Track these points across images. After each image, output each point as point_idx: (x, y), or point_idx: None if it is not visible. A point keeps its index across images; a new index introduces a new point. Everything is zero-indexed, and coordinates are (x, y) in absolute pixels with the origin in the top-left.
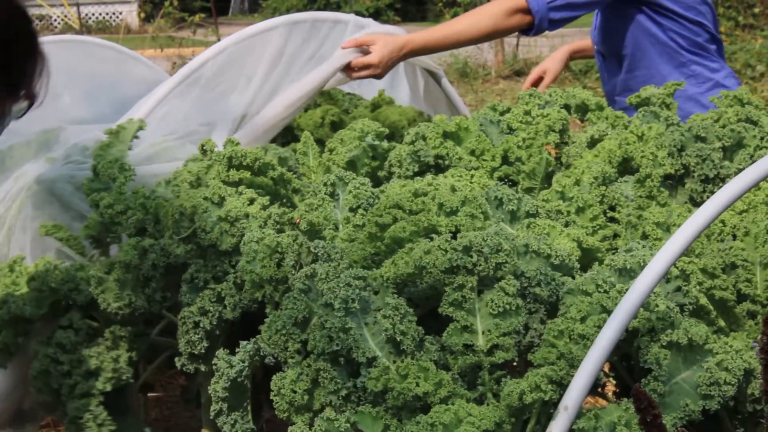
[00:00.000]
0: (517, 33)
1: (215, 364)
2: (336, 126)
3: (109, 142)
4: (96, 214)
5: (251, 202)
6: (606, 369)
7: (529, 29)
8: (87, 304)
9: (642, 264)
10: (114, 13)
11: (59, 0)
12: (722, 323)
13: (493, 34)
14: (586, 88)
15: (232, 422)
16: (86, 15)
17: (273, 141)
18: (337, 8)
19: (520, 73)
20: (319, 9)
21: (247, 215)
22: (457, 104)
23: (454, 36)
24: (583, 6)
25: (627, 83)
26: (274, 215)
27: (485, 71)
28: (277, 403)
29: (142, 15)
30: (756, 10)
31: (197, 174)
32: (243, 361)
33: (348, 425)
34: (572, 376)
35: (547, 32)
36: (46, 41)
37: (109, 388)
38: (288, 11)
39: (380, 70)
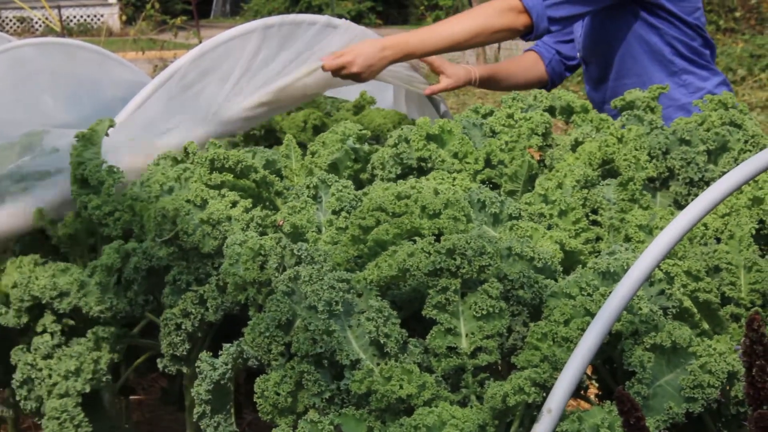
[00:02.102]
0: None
1: (198, 367)
2: (318, 129)
3: (83, 144)
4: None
5: (234, 204)
6: (588, 372)
7: (528, 31)
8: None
9: (625, 267)
10: (95, 16)
11: (40, 2)
12: (706, 326)
13: (485, 35)
14: (569, 92)
15: (215, 425)
16: (67, 17)
17: (257, 144)
18: (319, 11)
19: None
20: (300, 12)
21: (229, 218)
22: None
23: (443, 40)
24: (585, 2)
25: (616, 91)
26: (257, 218)
27: None
28: (260, 405)
29: (124, 18)
30: (737, 14)
31: (173, 177)
32: (226, 364)
33: (331, 428)
34: (555, 378)
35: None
36: (27, 43)
37: (88, 389)
38: (270, 14)
39: (357, 68)
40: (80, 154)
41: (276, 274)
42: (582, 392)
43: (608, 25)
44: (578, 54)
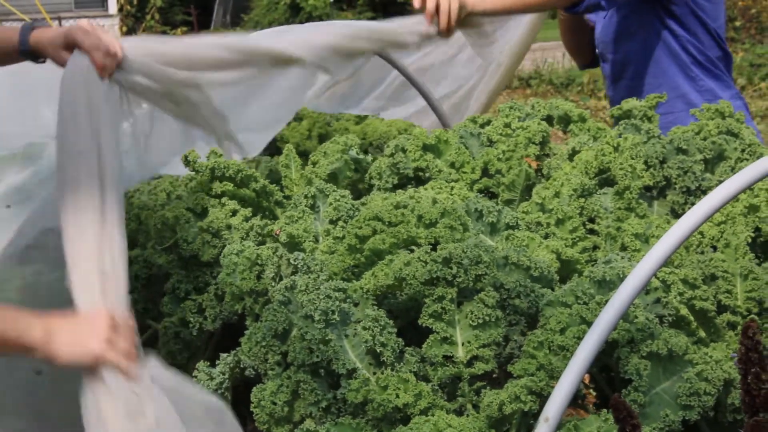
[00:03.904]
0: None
1: (196, 377)
2: (323, 138)
3: None
4: None
5: (233, 213)
6: (585, 380)
7: (572, 6)
8: None
9: (621, 275)
10: None
11: (41, 14)
12: (702, 334)
13: (539, 4)
14: (567, 101)
15: None
16: None
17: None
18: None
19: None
20: (300, 23)
21: (229, 227)
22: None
23: (501, 2)
24: None
25: (633, 90)
26: (256, 227)
27: None
28: (257, 414)
29: (124, 29)
30: (737, 24)
31: (178, 185)
32: (223, 374)
33: None
34: (552, 387)
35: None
36: None
37: None
38: (270, 25)
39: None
40: None
41: (273, 284)
42: (579, 401)
43: (631, 20)
44: (597, 51)
